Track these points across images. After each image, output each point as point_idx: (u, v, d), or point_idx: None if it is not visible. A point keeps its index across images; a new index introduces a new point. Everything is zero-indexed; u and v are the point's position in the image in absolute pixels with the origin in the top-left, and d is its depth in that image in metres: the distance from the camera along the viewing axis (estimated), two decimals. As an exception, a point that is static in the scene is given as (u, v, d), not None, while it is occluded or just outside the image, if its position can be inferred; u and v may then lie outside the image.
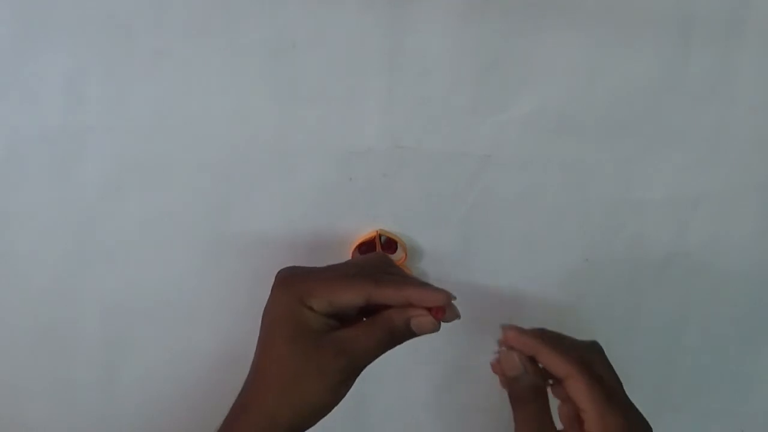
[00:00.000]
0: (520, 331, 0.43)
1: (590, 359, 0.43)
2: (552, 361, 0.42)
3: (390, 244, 0.53)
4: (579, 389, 0.41)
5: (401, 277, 0.45)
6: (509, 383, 0.44)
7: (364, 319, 0.45)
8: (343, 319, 0.44)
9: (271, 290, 0.45)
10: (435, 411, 0.59)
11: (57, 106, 0.49)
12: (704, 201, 0.54)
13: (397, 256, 0.54)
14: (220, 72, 0.49)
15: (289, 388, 0.42)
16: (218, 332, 0.55)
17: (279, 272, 0.45)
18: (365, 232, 0.53)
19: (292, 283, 0.44)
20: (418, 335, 0.43)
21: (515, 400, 0.43)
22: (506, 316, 0.56)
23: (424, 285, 0.44)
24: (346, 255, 0.53)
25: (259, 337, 0.45)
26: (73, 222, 0.52)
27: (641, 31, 0.49)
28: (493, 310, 0.56)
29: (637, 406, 0.44)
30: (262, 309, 0.53)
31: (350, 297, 0.43)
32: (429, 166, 0.52)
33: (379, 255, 0.49)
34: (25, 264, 0.53)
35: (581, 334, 0.46)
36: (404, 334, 0.43)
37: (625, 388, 0.45)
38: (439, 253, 0.54)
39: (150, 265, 0.53)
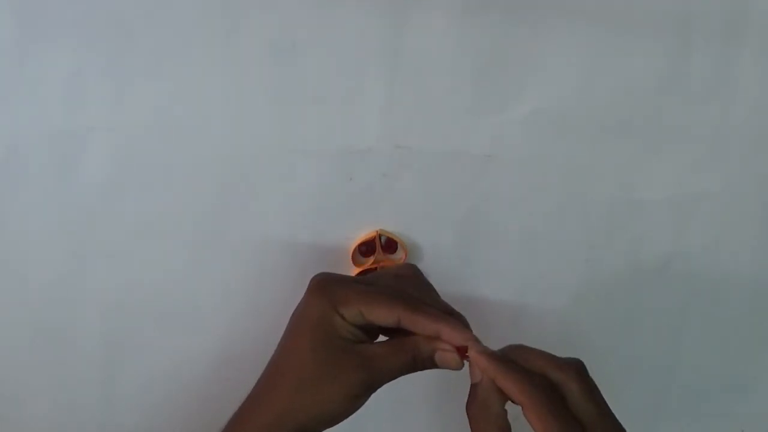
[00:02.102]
0: (481, 351, 0.42)
1: (559, 380, 0.41)
2: (508, 387, 0.40)
3: (390, 244, 0.53)
4: (533, 420, 0.39)
5: (434, 308, 0.44)
6: (470, 391, 0.42)
7: (382, 336, 0.45)
8: (368, 332, 0.44)
9: (305, 293, 0.44)
10: (434, 414, 0.59)
11: (57, 106, 0.49)
12: (704, 201, 0.54)
13: (397, 256, 0.54)
14: (220, 72, 0.49)
15: (306, 389, 0.42)
16: (218, 332, 0.55)
17: (314, 277, 0.45)
18: (365, 232, 0.53)
19: (327, 287, 0.44)
20: (440, 368, 0.43)
21: (468, 413, 0.42)
22: (506, 316, 0.56)
23: (456, 322, 0.43)
24: (346, 255, 0.53)
25: (284, 335, 0.45)
26: (73, 222, 0.52)
27: (641, 31, 0.49)
28: (493, 310, 0.56)
29: (637, 407, 0.43)
30: (262, 309, 0.53)
31: (383, 315, 0.42)
32: (429, 166, 0.52)
33: (410, 268, 0.48)
34: (25, 264, 0.53)
35: (581, 335, 0.46)
36: (426, 363, 0.43)
37: (623, 389, 0.44)
38: (439, 253, 0.54)
39: (150, 265, 0.53)
